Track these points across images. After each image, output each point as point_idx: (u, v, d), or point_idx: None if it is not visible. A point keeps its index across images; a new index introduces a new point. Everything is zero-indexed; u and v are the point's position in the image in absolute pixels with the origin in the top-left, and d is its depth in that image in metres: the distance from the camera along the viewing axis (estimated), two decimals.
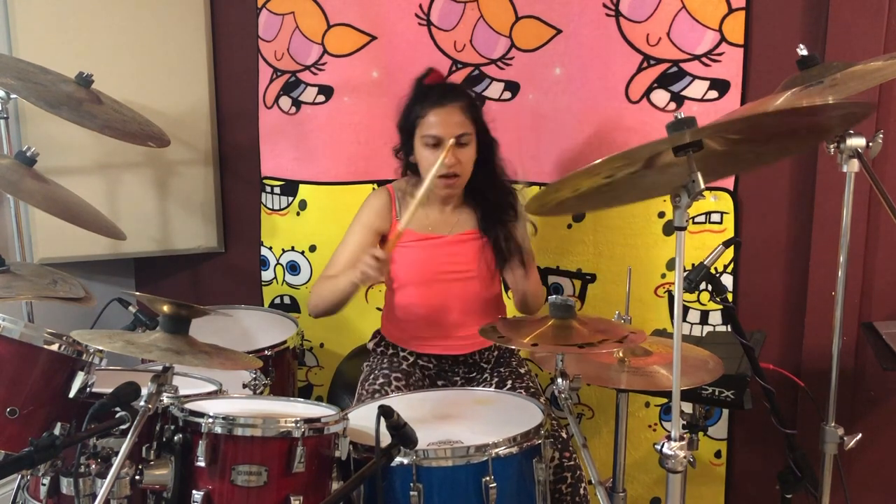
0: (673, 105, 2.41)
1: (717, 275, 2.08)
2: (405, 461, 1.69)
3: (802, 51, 1.82)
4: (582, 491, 2.03)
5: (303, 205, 2.97)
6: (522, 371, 2.30)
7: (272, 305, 3.09)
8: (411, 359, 2.32)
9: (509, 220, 2.29)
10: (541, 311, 2.36)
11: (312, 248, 2.99)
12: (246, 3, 2.92)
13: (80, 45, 2.78)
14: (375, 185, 2.81)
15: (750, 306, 2.44)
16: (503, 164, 2.34)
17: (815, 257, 2.33)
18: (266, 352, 2.45)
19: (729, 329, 2.13)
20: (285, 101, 2.92)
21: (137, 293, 2.20)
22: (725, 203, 2.42)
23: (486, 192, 2.29)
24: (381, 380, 2.22)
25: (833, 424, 1.86)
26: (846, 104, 1.40)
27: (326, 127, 2.87)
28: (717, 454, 2.54)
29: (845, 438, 1.86)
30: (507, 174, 2.35)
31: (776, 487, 1.94)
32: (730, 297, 2.41)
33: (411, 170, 2.31)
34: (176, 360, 1.58)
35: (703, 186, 1.36)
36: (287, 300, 3.08)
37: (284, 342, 2.53)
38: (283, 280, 3.06)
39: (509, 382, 2.24)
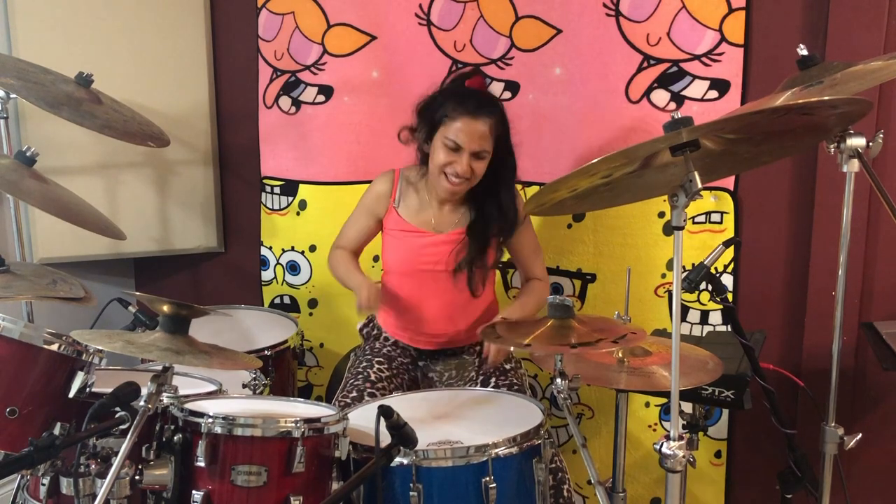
0: (673, 105, 2.41)
1: (717, 275, 2.08)
2: (405, 461, 1.69)
3: (802, 51, 1.82)
4: (566, 493, 2.02)
5: (303, 205, 2.97)
6: (508, 367, 2.30)
7: (272, 305, 3.09)
8: (392, 341, 2.39)
9: (500, 235, 2.31)
10: (540, 311, 2.37)
11: (312, 248, 2.99)
12: (246, 3, 2.92)
13: (80, 45, 2.78)
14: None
15: (750, 306, 2.44)
16: (515, 186, 2.35)
17: (815, 257, 2.33)
18: (266, 352, 2.46)
19: (729, 329, 2.13)
20: (285, 101, 2.92)
21: (137, 293, 2.20)
22: (725, 203, 2.42)
23: (487, 202, 2.30)
24: (363, 363, 2.26)
25: (833, 424, 1.86)
26: (839, 101, 1.39)
27: (326, 127, 2.87)
28: (717, 454, 2.54)
29: (845, 438, 1.85)
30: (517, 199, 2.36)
31: (776, 487, 1.94)
32: (730, 297, 2.41)
33: (423, 157, 2.33)
34: (176, 360, 1.58)
35: (700, 186, 1.35)
36: (287, 300, 3.08)
37: (284, 342, 2.53)
38: (283, 280, 3.06)
39: (493, 380, 2.25)
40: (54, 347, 1.69)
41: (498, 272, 2.68)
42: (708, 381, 1.78)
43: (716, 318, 2.48)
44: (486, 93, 2.40)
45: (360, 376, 2.21)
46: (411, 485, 1.69)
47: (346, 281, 2.37)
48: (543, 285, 2.42)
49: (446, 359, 2.38)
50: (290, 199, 2.99)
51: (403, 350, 2.38)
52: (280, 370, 2.51)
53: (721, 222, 2.43)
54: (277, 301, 3.10)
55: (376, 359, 2.29)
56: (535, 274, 2.41)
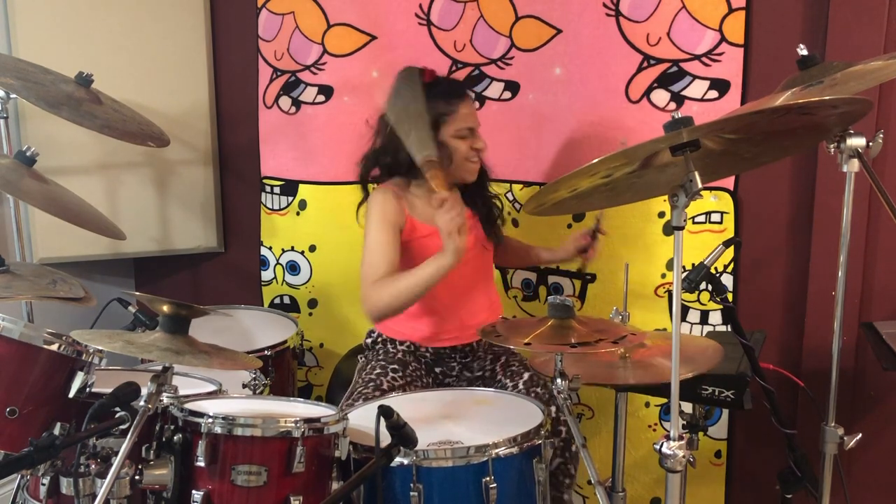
0: (673, 105, 2.41)
1: (717, 275, 2.08)
2: (405, 461, 1.69)
3: (802, 51, 1.82)
4: (573, 471, 2.12)
5: (302, 205, 2.97)
6: (516, 350, 2.34)
7: (272, 305, 3.09)
8: (408, 349, 2.31)
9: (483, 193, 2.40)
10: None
11: (312, 248, 2.99)
12: (246, 3, 2.92)
13: (80, 45, 2.78)
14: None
15: (750, 306, 2.44)
16: None
17: (815, 257, 2.32)
18: (266, 352, 2.46)
19: (729, 329, 2.13)
20: (285, 101, 2.93)
21: (137, 293, 2.20)
22: (725, 203, 2.42)
23: None
24: (377, 370, 2.22)
25: (833, 424, 1.86)
26: (839, 101, 1.40)
27: (326, 127, 2.87)
28: (717, 454, 2.54)
29: (845, 438, 1.85)
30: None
31: (776, 487, 1.94)
32: (730, 297, 2.41)
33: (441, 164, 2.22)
34: (176, 360, 1.58)
35: (700, 186, 1.35)
36: (287, 300, 3.08)
37: (284, 342, 2.54)
38: (283, 280, 3.06)
39: (503, 357, 2.31)
40: (54, 347, 1.69)
41: (498, 273, 2.68)
42: (709, 367, 1.78)
43: (716, 318, 2.48)
44: (451, 77, 2.54)
45: (371, 384, 2.15)
46: (411, 485, 1.69)
47: (422, 278, 2.06)
48: None
49: (463, 354, 2.35)
50: (290, 199, 2.99)
51: (420, 356, 2.31)
52: (280, 370, 2.51)
53: (721, 222, 2.43)
54: (277, 301, 3.10)
55: (391, 366, 2.23)
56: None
